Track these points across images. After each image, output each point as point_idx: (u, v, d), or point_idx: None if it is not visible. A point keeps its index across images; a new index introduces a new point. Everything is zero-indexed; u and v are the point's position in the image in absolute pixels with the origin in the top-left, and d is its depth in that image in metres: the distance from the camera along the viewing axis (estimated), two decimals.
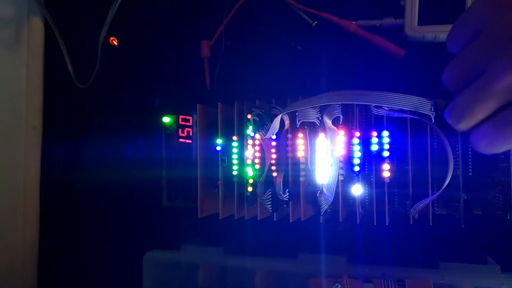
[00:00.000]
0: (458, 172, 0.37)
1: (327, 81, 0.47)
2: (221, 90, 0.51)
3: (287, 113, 0.37)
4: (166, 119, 0.50)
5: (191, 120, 0.49)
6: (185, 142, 0.49)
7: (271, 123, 0.37)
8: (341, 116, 0.36)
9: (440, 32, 0.42)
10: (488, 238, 0.40)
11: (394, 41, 0.44)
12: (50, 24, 0.55)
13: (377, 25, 0.45)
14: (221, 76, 0.51)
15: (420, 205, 0.33)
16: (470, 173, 0.37)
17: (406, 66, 0.44)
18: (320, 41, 0.48)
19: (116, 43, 0.53)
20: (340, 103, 0.33)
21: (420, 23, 0.42)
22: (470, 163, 0.37)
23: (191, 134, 0.49)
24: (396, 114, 0.33)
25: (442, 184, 0.35)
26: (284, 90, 0.48)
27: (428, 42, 0.43)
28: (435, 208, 0.40)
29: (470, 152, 0.37)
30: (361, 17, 0.45)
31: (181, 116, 0.49)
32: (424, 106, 0.31)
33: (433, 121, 0.33)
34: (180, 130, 0.50)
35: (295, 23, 0.48)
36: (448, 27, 0.40)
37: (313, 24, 0.47)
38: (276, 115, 0.37)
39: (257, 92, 0.48)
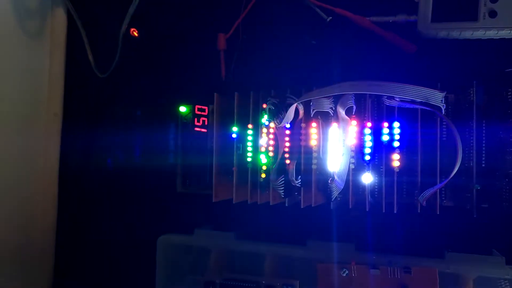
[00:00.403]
0: (472, 163, 0.38)
1: (340, 75, 0.48)
2: (236, 82, 0.52)
3: (301, 102, 0.39)
4: (182, 109, 0.52)
5: (206, 110, 0.51)
6: (200, 131, 0.51)
7: (286, 112, 0.38)
8: (354, 107, 0.37)
9: (453, 29, 0.43)
10: (494, 230, 0.41)
11: (407, 37, 0.45)
12: (73, 15, 0.57)
13: (391, 21, 0.46)
14: (237, 68, 0.53)
15: (428, 192, 0.34)
16: (483, 165, 0.38)
17: (418, 62, 0.46)
18: (335, 36, 0.49)
19: (136, 35, 0.55)
20: (353, 93, 0.35)
21: (434, 20, 0.43)
22: (483, 155, 0.38)
23: (206, 123, 0.51)
24: (407, 105, 0.35)
25: (450, 174, 0.36)
26: (298, 83, 0.49)
27: (440, 38, 0.44)
28: (443, 200, 0.41)
29: (484, 144, 0.38)
30: (374, 13, 0.47)
31: (197, 106, 0.51)
32: (435, 97, 0.32)
33: (443, 112, 0.34)
34: (196, 119, 0.51)
35: (310, 18, 0.50)
36: (461, 24, 0.42)
37: (328, 20, 0.49)
38: (291, 105, 0.38)
39: (271, 84, 0.50)
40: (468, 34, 0.42)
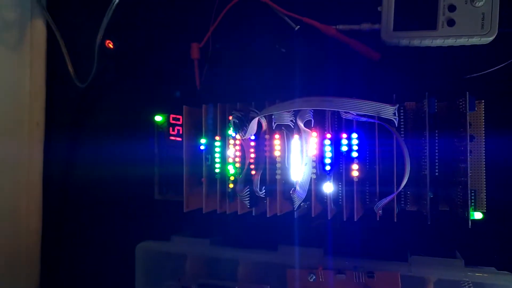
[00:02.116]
0: (425, 172, 0.39)
1: (308, 82, 0.49)
2: (209, 91, 0.54)
3: (264, 116, 0.40)
4: (158, 118, 0.53)
5: (181, 119, 0.52)
6: (175, 140, 0.52)
7: (249, 125, 0.39)
8: (313, 120, 0.38)
9: (414, 38, 0.44)
10: (455, 233, 0.43)
11: (372, 45, 0.46)
12: (52, 26, 0.58)
13: (356, 29, 0.47)
14: (210, 77, 0.54)
15: (382, 202, 0.36)
16: (437, 173, 0.39)
17: (383, 69, 0.47)
18: (303, 44, 0.50)
19: (112, 46, 0.56)
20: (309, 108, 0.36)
21: (396, 28, 0.44)
22: (436, 164, 0.39)
23: (181, 132, 0.52)
24: (362, 119, 0.36)
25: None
26: (267, 91, 0.51)
27: (403, 46, 0.45)
28: (408, 205, 0.42)
29: (437, 154, 0.39)
30: (341, 21, 0.47)
31: (171, 115, 0.52)
32: (386, 111, 0.33)
33: (396, 125, 0.35)
34: (171, 128, 0.53)
35: (279, 27, 0.51)
36: (421, 33, 0.43)
37: (296, 28, 0.50)
38: (254, 118, 0.39)
39: (242, 93, 0.51)
40: (428, 42, 0.43)
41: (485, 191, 0.40)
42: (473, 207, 0.37)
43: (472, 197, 0.38)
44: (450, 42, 0.43)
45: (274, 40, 0.51)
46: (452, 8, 0.42)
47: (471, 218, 0.36)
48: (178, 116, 0.52)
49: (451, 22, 0.42)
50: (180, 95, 0.55)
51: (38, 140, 0.61)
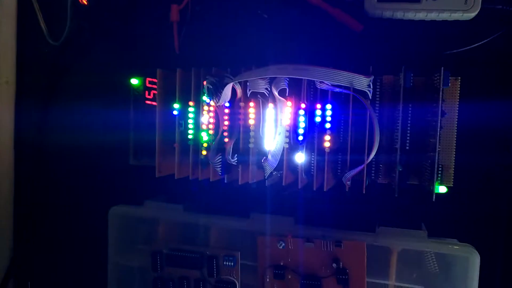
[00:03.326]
0: (396, 146, 0.39)
1: (288, 50, 0.48)
2: (189, 55, 0.52)
3: (239, 82, 0.39)
4: (134, 81, 0.51)
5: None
6: (151, 104, 0.51)
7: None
8: (287, 89, 0.38)
9: (397, 10, 0.43)
10: (422, 206, 0.44)
11: (355, 16, 0.45)
12: None
13: None
14: (188, 41, 0.52)
15: (350, 174, 0.36)
16: (407, 147, 0.39)
17: (364, 41, 0.46)
18: (285, 11, 0.48)
19: (86, 2, 0.54)
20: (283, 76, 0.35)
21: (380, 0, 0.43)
22: (408, 138, 0.39)
23: None
24: (336, 89, 0.35)
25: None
26: (247, 57, 0.49)
27: (386, 18, 0.44)
28: (379, 177, 0.43)
29: (409, 128, 0.39)
30: None
31: (148, 79, 0.51)
32: (360, 82, 0.33)
33: (370, 97, 0.35)
34: (146, 92, 0.51)
35: None
36: (404, 6, 0.42)
37: None
38: (228, 84, 0.38)
39: (221, 58, 0.50)
40: (411, 15, 0.43)
41: (453, 167, 0.40)
42: (439, 181, 0.38)
43: (440, 172, 0.38)
44: (432, 16, 0.42)
45: (256, 5, 0.50)
46: None
47: (436, 191, 0.37)
48: (154, 80, 0.51)
49: None
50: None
51: (8, 99, 0.59)
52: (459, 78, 0.41)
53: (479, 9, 0.41)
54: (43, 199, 0.59)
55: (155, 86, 0.51)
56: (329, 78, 0.33)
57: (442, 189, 0.38)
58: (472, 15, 0.42)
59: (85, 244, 0.56)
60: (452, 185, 0.40)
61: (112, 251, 0.51)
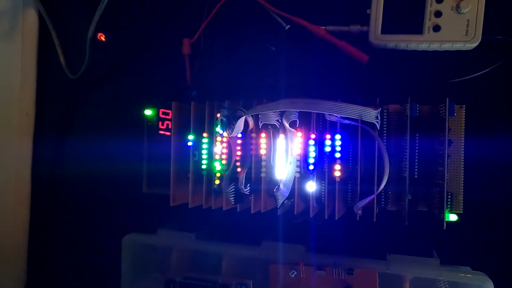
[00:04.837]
0: (405, 174, 0.40)
1: (296, 82, 0.50)
2: (199, 87, 0.54)
3: (251, 115, 0.41)
4: (148, 112, 0.53)
5: (170, 114, 0.53)
6: (164, 134, 0.53)
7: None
8: (298, 120, 0.39)
9: (400, 41, 0.44)
10: (432, 233, 0.44)
11: (360, 47, 0.47)
12: (44, 16, 0.58)
13: (345, 31, 0.48)
14: (200, 73, 0.54)
15: (361, 203, 0.37)
16: (416, 176, 0.40)
17: (369, 71, 0.47)
18: (292, 43, 0.51)
19: (103, 39, 0.56)
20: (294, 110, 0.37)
21: (383, 31, 0.45)
22: (416, 166, 0.40)
23: (170, 126, 0.53)
24: (345, 121, 0.37)
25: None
26: (256, 89, 0.51)
27: (390, 49, 0.46)
28: (388, 204, 0.44)
29: (417, 156, 0.40)
30: (330, 22, 0.48)
31: (161, 110, 0.53)
32: (369, 115, 0.34)
33: (378, 128, 0.36)
34: (160, 122, 0.53)
35: (270, 25, 0.51)
36: (408, 37, 0.44)
37: (286, 28, 0.50)
38: (241, 116, 0.40)
39: (231, 90, 0.52)
40: (414, 46, 0.44)
41: (462, 194, 0.41)
42: (449, 209, 0.39)
43: (449, 200, 0.39)
44: (435, 46, 0.44)
45: (264, 38, 0.52)
46: (438, 14, 0.43)
47: (446, 219, 0.37)
48: (167, 111, 0.53)
49: (436, 28, 0.43)
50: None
51: (28, 130, 0.61)
52: (464, 106, 0.42)
53: (480, 40, 0.43)
54: (58, 227, 0.60)
55: (168, 117, 0.53)
56: (338, 112, 0.34)
57: (453, 217, 0.39)
58: (473, 45, 0.43)
59: (98, 272, 0.57)
60: (462, 212, 0.41)
61: (125, 279, 0.52)
